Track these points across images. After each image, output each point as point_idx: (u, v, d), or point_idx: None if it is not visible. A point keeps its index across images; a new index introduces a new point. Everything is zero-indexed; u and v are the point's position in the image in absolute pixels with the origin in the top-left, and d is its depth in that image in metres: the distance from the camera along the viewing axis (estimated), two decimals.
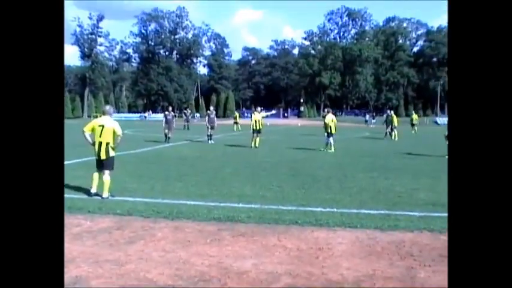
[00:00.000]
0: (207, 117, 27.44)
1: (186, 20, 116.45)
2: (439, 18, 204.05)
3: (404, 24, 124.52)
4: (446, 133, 18.93)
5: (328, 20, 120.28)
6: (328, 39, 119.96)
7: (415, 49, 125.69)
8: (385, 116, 33.39)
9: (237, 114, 51.67)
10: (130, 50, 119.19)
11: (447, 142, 18.80)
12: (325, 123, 21.70)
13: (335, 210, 8.18)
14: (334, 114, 23.18)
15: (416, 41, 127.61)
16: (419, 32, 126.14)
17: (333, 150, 20.53)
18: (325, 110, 24.87)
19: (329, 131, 21.34)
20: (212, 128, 26.18)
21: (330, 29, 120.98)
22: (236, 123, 46.40)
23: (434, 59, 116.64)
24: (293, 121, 79.70)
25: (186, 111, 52.01)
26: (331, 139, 21.11)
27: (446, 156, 18.19)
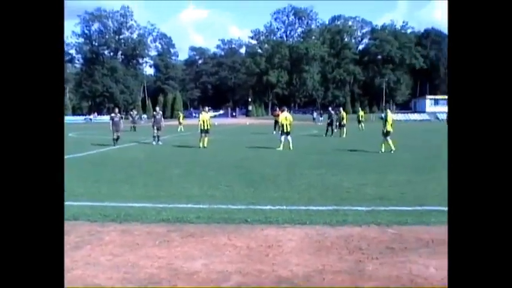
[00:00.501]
0: (153, 119, 27.16)
1: (131, 19, 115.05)
2: (383, 16, 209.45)
3: (350, 23, 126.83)
4: (385, 130, 19.42)
5: (275, 19, 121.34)
6: (274, 38, 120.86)
7: (361, 47, 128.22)
8: (333, 113, 33.79)
9: (181, 114, 51.39)
10: (73, 51, 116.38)
11: (386, 138, 19.27)
12: (275, 121, 21.81)
13: (284, 207, 8.23)
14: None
15: (362, 39, 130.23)
16: (364, 31, 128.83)
17: (281, 148, 20.64)
18: (277, 108, 24.95)
19: (283, 129, 21.46)
20: (158, 129, 25.85)
21: (276, 28, 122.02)
22: (180, 123, 46.09)
23: (379, 57, 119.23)
24: (241, 120, 79.71)
25: (132, 113, 51.18)
26: (283, 137, 21.23)
27: (380, 151, 18.72)
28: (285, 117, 21.70)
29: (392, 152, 18.73)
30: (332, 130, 32.59)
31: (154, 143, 25.36)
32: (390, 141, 19.19)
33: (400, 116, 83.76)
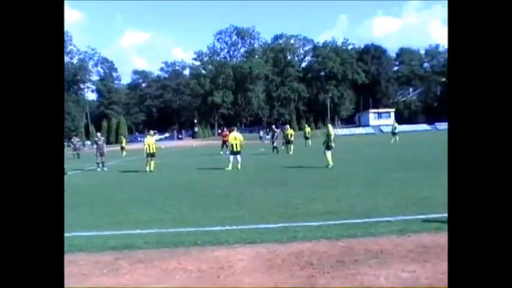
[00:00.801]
0: (95, 145, 26.61)
1: (70, 44, 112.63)
2: (323, 33, 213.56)
3: (292, 41, 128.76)
4: (326, 144, 19.66)
5: (218, 40, 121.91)
6: (218, 58, 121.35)
7: (304, 64, 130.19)
8: (276, 131, 34.06)
9: (123, 139, 50.51)
10: None
11: (326, 150, 19.47)
12: (223, 141, 21.74)
13: (234, 227, 8.16)
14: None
15: (304, 57, 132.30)
16: (306, 48, 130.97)
17: (230, 168, 20.59)
18: (224, 129, 24.91)
19: (232, 149, 21.39)
20: (101, 155, 25.36)
21: (220, 49, 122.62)
22: (123, 148, 45.18)
23: (322, 73, 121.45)
24: (188, 142, 79.30)
25: (73, 140, 49.94)
26: (232, 157, 21.16)
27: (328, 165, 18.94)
28: (234, 137, 21.67)
29: (329, 167, 18.95)
30: (274, 148, 32.82)
31: (98, 169, 24.86)
32: (329, 156, 19.42)
33: (346, 131, 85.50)
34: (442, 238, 6.80)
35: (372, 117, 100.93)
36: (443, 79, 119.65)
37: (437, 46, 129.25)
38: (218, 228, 8.15)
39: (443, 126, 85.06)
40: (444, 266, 5.51)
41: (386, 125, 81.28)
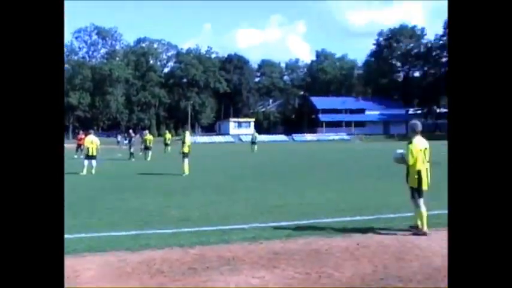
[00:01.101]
0: None
1: None
2: (188, 41, 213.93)
3: (155, 45, 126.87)
4: (182, 151, 19.56)
5: (76, 38, 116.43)
6: (76, 57, 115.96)
7: (166, 70, 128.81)
8: (133, 135, 33.38)
9: None
10: None
11: (183, 158, 19.33)
12: (78, 144, 20.79)
13: (83, 235, 7.83)
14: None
15: (167, 62, 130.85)
16: (169, 54, 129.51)
17: (84, 173, 19.75)
18: (80, 132, 23.85)
19: (88, 153, 20.50)
20: None
21: (78, 47, 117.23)
22: None
23: (184, 80, 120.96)
24: None
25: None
26: (87, 161, 20.28)
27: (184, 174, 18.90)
28: (91, 140, 20.86)
29: (183, 176, 18.82)
30: (131, 154, 32.16)
31: None
32: (186, 164, 19.34)
33: (206, 138, 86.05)
34: (292, 245, 7.08)
35: (232, 126, 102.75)
36: (302, 92, 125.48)
37: (297, 60, 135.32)
38: (66, 236, 7.72)
39: (300, 137, 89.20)
40: (291, 272, 5.72)
41: (246, 134, 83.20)
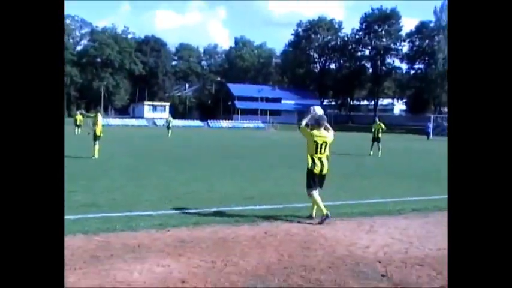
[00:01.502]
0: None
1: None
2: (104, 19, 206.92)
3: (68, 21, 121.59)
4: (94, 133, 18.93)
5: None
6: None
7: (79, 48, 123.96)
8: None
9: None
10: None
11: (94, 141, 18.70)
12: None
13: None
14: None
15: (80, 40, 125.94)
16: (83, 31, 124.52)
17: None
18: None
19: None
20: None
21: None
22: None
23: (98, 60, 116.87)
24: None
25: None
26: None
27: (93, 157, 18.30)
28: None
29: (93, 158, 18.22)
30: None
31: None
32: (97, 148, 18.70)
33: (119, 121, 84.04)
34: (199, 232, 7.06)
35: (147, 109, 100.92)
36: (219, 78, 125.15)
37: (215, 46, 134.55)
38: None
39: (216, 123, 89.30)
40: (197, 260, 5.71)
41: (161, 118, 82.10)
